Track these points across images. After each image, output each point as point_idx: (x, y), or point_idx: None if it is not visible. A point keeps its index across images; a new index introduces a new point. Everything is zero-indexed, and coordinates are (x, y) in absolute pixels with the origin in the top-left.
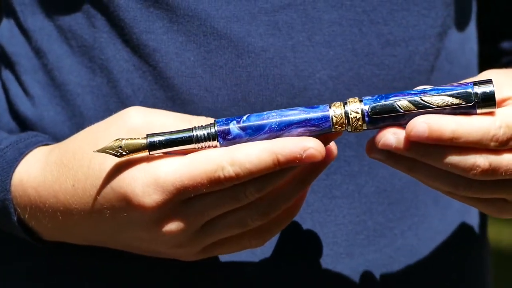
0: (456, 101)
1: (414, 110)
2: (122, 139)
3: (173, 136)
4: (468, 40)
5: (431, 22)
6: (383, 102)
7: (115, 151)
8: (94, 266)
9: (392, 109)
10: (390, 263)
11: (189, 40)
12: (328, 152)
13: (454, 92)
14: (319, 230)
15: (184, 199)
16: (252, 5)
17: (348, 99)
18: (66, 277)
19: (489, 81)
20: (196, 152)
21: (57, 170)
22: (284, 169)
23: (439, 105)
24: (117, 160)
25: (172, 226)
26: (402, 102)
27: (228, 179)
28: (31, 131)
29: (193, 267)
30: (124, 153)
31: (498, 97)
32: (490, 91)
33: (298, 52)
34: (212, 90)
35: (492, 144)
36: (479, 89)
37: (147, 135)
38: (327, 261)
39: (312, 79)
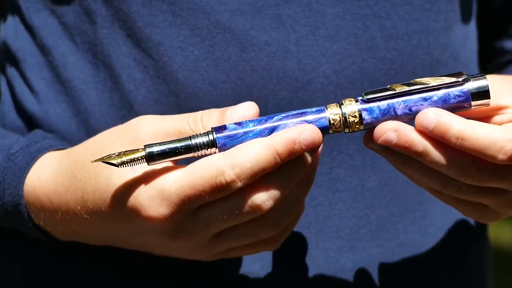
0: (448, 80)
1: (407, 88)
2: (120, 152)
3: (171, 146)
4: (469, 37)
5: (434, 16)
6: (376, 88)
7: (113, 162)
8: (95, 266)
9: (385, 89)
10: (393, 258)
11: (193, 34)
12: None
13: (447, 74)
14: (322, 223)
15: (192, 210)
16: None
17: (343, 99)
18: (66, 278)
19: (482, 75)
20: (197, 161)
21: (68, 181)
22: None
23: (432, 83)
24: (122, 173)
25: (182, 238)
26: (395, 85)
27: (230, 183)
28: (38, 128)
29: (199, 266)
30: (122, 162)
31: (495, 103)
32: (484, 85)
33: (302, 46)
34: (216, 84)
35: (500, 156)
36: (472, 83)
37: (144, 146)
38: (330, 255)
39: (316, 73)
